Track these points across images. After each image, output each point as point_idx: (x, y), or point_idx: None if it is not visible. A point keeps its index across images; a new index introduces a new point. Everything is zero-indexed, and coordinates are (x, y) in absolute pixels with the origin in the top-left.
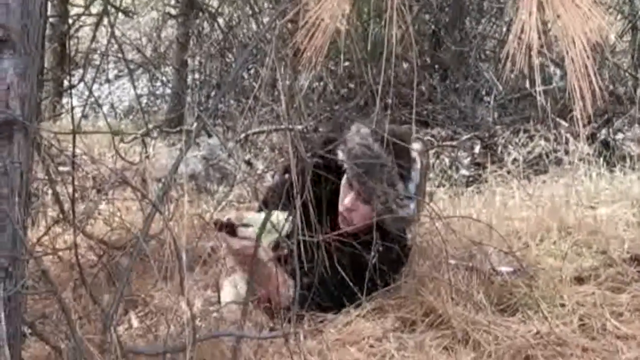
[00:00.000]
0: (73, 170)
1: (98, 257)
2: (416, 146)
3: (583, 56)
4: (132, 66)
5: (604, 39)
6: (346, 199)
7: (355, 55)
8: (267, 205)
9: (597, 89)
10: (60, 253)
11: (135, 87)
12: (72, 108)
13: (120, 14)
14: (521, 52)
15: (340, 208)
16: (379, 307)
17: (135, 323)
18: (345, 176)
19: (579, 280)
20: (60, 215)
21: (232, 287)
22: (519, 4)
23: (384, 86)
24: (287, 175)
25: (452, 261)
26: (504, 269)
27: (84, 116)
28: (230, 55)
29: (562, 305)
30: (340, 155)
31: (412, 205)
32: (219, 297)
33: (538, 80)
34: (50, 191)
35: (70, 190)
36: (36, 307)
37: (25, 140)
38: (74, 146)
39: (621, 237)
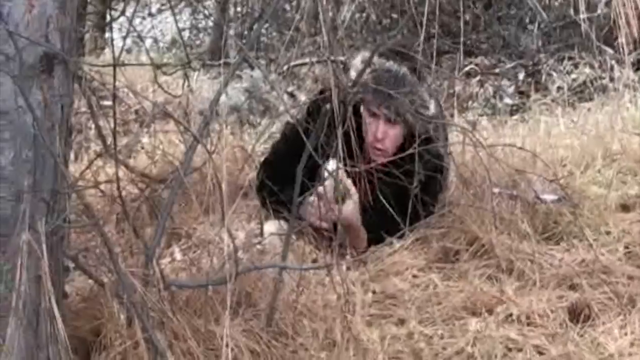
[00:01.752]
0: (114, 104)
1: (140, 190)
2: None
3: None
4: (173, 1)
5: None
6: (378, 132)
7: None
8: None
9: None
10: (102, 187)
11: (177, 21)
12: (112, 41)
13: None
14: None
15: (371, 140)
16: (422, 237)
17: (178, 256)
18: (365, 109)
19: (624, 207)
20: (103, 149)
21: (273, 219)
22: None
23: (427, 16)
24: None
25: (496, 190)
26: (548, 197)
27: (127, 50)
28: None
29: (607, 233)
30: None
31: (432, 106)
32: (261, 229)
33: (582, 6)
34: (92, 125)
35: (112, 124)
36: (79, 240)
37: (65, 73)
38: (114, 79)
39: None
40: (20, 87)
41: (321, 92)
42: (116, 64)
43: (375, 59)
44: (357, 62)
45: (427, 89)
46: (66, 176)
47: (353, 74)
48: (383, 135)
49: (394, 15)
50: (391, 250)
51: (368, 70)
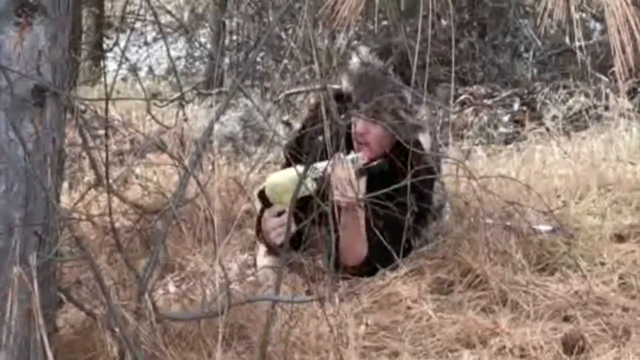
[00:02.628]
0: (106, 137)
1: (133, 222)
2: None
3: (624, 8)
4: (167, 30)
5: None
6: (358, 126)
7: (391, 13)
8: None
9: (639, 41)
10: (95, 218)
11: (169, 52)
12: (105, 73)
13: None
14: (559, 6)
15: (354, 134)
16: (416, 268)
17: (171, 288)
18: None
19: (619, 238)
20: (96, 181)
21: (268, 251)
22: None
23: (421, 44)
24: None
25: (490, 221)
26: (542, 227)
27: (122, 79)
28: (267, 16)
29: (602, 264)
30: (345, 84)
31: (423, 111)
32: (254, 260)
33: (578, 34)
34: (86, 156)
35: (105, 155)
36: (71, 273)
37: (56, 106)
38: (106, 112)
39: None
40: (12, 119)
41: (311, 117)
42: (108, 98)
43: (366, 54)
44: (355, 60)
45: (415, 99)
46: (57, 209)
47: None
48: (363, 130)
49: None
50: (385, 282)
51: (358, 66)
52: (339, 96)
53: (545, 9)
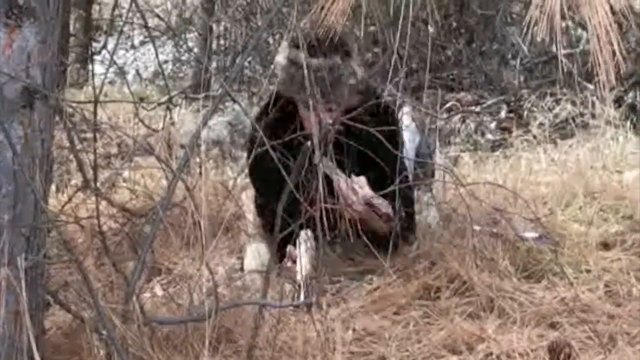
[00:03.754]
0: (95, 140)
1: (121, 225)
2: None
3: (606, 22)
4: (155, 33)
5: (629, 3)
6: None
7: (379, 20)
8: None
9: (619, 57)
10: (83, 221)
11: (157, 55)
12: (93, 76)
13: None
14: (543, 21)
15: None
16: (403, 274)
17: (158, 291)
18: (300, 106)
19: (605, 245)
20: (84, 183)
21: (255, 254)
22: None
23: (409, 51)
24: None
25: (477, 227)
26: (529, 235)
27: (110, 82)
28: (255, 21)
29: (588, 272)
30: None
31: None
32: (242, 264)
33: (562, 45)
34: (74, 159)
35: (93, 158)
36: (59, 275)
37: (45, 108)
38: (95, 115)
39: None
40: (1, 121)
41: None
42: (97, 100)
43: (299, 55)
44: (280, 58)
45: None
46: (45, 211)
47: (278, 68)
48: (326, 113)
49: (376, 50)
50: (372, 287)
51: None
52: (266, 107)
53: (530, 19)
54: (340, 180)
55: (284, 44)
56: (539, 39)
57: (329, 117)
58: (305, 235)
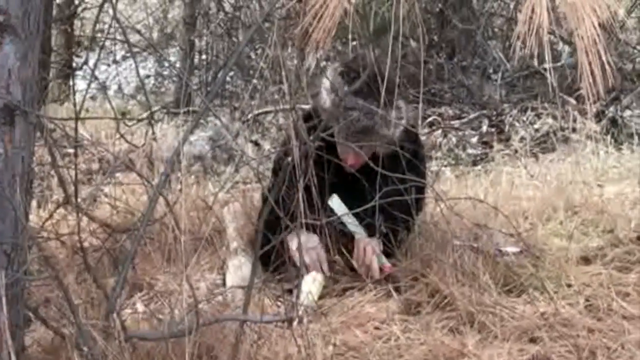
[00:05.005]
0: (76, 157)
1: (102, 241)
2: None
3: (592, 33)
4: (136, 49)
5: (613, 15)
6: (348, 159)
7: (362, 35)
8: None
9: (606, 66)
10: (64, 237)
11: (138, 71)
12: (74, 92)
13: None
14: (531, 36)
15: (343, 159)
16: (384, 289)
17: (139, 307)
18: (336, 131)
19: (586, 260)
20: (64, 199)
21: (236, 270)
22: None
23: (391, 65)
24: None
25: (457, 242)
26: (509, 249)
27: (91, 97)
28: (236, 35)
29: (569, 286)
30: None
31: (404, 114)
32: (224, 279)
33: (548, 57)
34: (55, 174)
35: (74, 174)
36: (41, 291)
37: (26, 125)
38: (76, 131)
39: (628, 216)
40: None
41: (284, 144)
42: (78, 117)
43: (345, 92)
44: (326, 87)
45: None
46: (26, 228)
47: (324, 98)
48: (353, 162)
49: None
50: (353, 302)
51: (337, 101)
52: (309, 117)
53: (517, 35)
54: (361, 242)
55: (332, 69)
56: (525, 53)
57: (354, 159)
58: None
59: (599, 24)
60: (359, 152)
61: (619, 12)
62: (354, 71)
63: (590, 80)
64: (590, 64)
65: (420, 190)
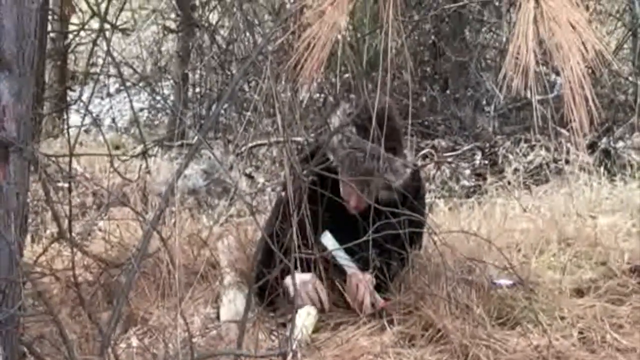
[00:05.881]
0: (70, 192)
1: (96, 275)
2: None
3: (578, 73)
4: (129, 83)
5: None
6: (351, 201)
7: (354, 67)
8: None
9: (592, 106)
10: (58, 272)
11: (132, 105)
12: (69, 128)
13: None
14: (518, 74)
15: (346, 199)
16: (378, 323)
17: (134, 342)
18: (341, 172)
19: (579, 292)
20: (58, 234)
21: (230, 304)
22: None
23: (398, 113)
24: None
25: (451, 274)
26: (503, 282)
27: (86, 131)
28: (230, 68)
29: (562, 318)
30: (331, 157)
31: (408, 168)
32: (218, 313)
33: (536, 90)
34: (49, 209)
35: (68, 209)
36: (35, 326)
37: (20, 161)
38: (70, 167)
39: (621, 248)
40: None
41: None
42: (72, 154)
43: (355, 134)
44: (339, 113)
45: (405, 161)
46: (20, 264)
47: (339, 151)
48: (356, 204)
49: (352, 97)
50: (347, 336)
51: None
52: (313, 154)
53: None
54: (354, 277)
55: (341, 110)
56: (513, 84)
57: (356, 201)
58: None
59: (585, 60)
60: (362, 196)
61: (610, 44)
62: (365, 113)
63: (577, 119)
64: (576, 104)
65: (418, 228)
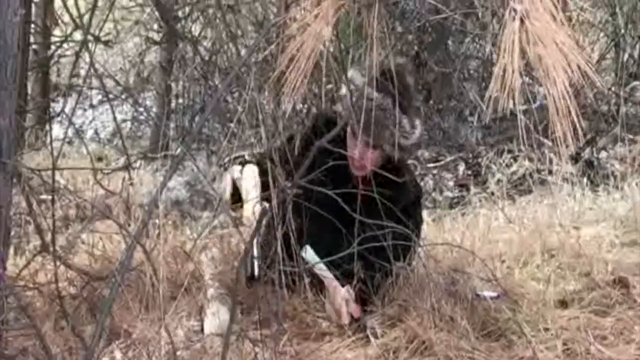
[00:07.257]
0: (53, 205)
1: (80, 288)
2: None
3: (563, 92)
4: (112, 95)
5: (584, 74)
6: (355, 151)
7: (338, 78)
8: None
9: (577, 124)
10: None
11: (115, 117)
12: (52, 141)
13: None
14: (504, 93)
15: (350, 159)
16: (362, 334)
17: (117, 355)
18: (349, 127)
19: (563, 304)
20: (42, 247)
21: (214, 317)
22: (500, 49)
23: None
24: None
25: (434, 285)
26: (487, 293)
27: (68, 142)
28: (213, 79)
29: (546, 330)
30: (340, 108)
31: (417, 131)
32: (202, 326)
33: (519, 101)
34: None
35: (51, 222)
36: (18, 340)
37: (3, 175)
38: (53, 180)
39: (605, 259)
40: None
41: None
42: (55, 167)
43: (358, 80)
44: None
45: (411, 120)
46: (3, 278)
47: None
48: (361, 156)
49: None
50: (332, 348)
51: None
52: (330, 122)
53: (490, 97)
54: (331, 287)
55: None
56: (496, 95)
57: (361, 152)
58: None
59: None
60: (368, 141)
61: (593, 55)
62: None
63: (561, 134)
64: (560, 120)
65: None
